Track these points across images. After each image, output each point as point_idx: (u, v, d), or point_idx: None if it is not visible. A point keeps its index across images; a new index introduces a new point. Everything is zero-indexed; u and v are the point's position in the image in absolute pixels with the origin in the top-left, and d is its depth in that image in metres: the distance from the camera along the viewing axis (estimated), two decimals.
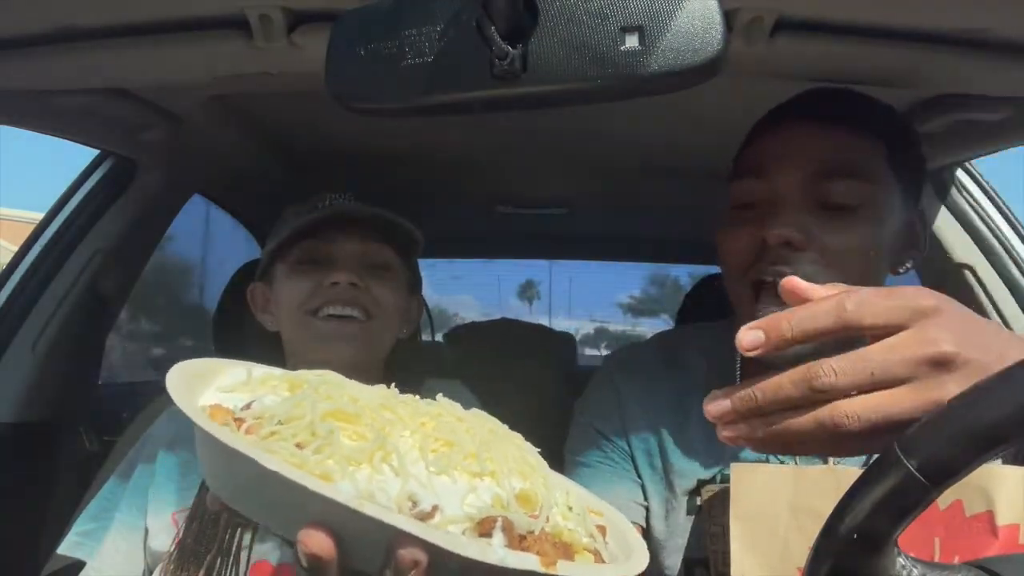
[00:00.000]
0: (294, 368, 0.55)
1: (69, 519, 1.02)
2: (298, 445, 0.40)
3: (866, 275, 0.76)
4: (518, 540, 0.39)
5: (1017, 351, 0.42)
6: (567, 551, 0.41)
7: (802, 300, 0.47)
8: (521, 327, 2.35)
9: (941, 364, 0.42)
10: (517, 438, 0.49)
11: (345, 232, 0.99)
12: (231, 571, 0.84)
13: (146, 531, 0.91)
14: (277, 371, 0.50)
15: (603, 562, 0.44)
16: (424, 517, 0.38)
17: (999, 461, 0.75)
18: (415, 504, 0.39)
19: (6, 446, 1.31)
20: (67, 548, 0.93)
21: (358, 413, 0.43)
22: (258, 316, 1.05)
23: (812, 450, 0.46)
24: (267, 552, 0.86)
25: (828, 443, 0.44)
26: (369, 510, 0.36)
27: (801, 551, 0.70)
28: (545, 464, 0.48)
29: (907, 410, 0.42)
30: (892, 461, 0.39)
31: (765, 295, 0.76)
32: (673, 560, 0.85)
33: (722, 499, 0.77)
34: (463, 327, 2.41)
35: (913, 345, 0.42)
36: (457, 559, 0.36)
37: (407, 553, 0.36)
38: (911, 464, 0.38)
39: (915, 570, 0.40)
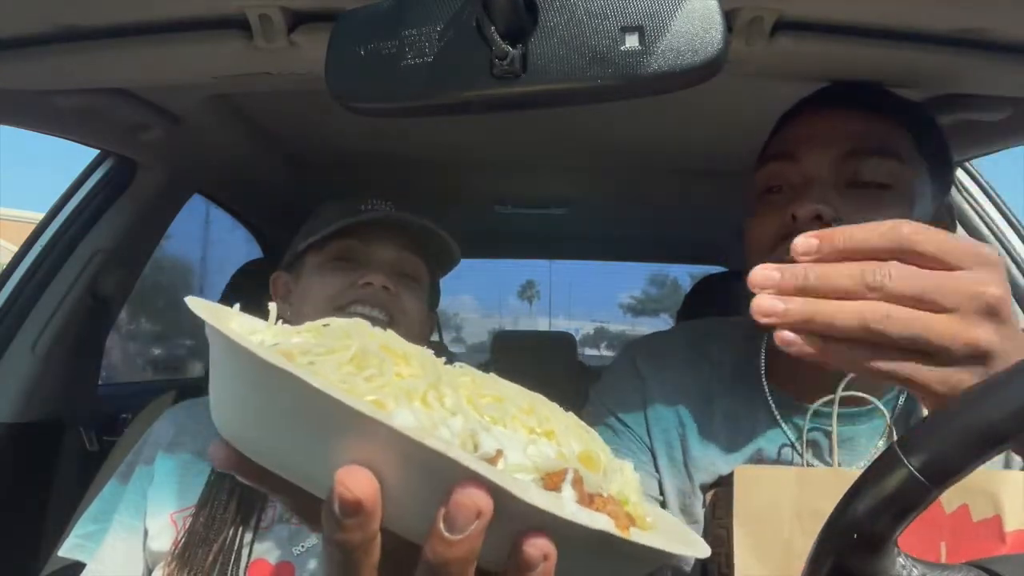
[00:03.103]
0: None
1: (69, 519, 1.02)
2: None
3: None
4: (588, 499, 0.34)
5: None
6: (633, 523, 0.36)
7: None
8: (521, 335, 2.41)
9: (988, 309, 0.42)
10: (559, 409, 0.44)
11: (384, 237, 1.01)
12: (231, 568, 0.85)
13: (145, 532, 0.91)
14: (290, 326, 0.43)
15: None
16: (488, 462, 0.32)
17: (1001, 463, 0.75)
18: (477, 446, 0.33)
19: (6, 446, 1.31)
20: (67, 551, 0.93)
21: (406, 353, 0.37)
22: (277, 304, 1.05)
23: (834, 356, 0.43)
24: (266, 551, 0.87)
25: (855, 349, 0.42)
26: (433, 443, 0.29)
27: (805, 554, 0.70)
28: (599, 436, 0.42)
29: (943, 336, 0.42)
30: (892, 461, 0.39)
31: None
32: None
33: (726, 501, 0.77)
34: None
35: (968, 282, 0.42)
36: (520, 512, 0.30)
37: (468, 499, 0.30)
38: (911, 464, 0.38)
39: (915, 570, 0.40)
